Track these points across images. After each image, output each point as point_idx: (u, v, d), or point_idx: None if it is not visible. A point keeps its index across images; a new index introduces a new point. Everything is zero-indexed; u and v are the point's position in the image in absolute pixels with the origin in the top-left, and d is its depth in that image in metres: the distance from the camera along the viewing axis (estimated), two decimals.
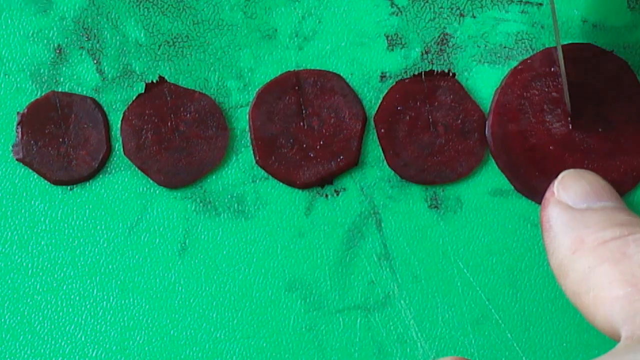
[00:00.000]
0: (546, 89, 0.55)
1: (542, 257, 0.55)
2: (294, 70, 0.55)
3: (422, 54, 0.55)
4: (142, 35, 0.55)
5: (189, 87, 0.55)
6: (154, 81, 0.55)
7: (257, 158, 0.55)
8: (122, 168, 0.55)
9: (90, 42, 0.55)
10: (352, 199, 0.55)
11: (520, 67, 0.55)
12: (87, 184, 0.55)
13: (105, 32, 0.55)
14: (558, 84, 0.54)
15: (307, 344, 0.54)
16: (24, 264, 0.55)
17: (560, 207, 0.50)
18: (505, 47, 0.55)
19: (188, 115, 0.55)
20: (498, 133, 0.54)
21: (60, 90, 0.55)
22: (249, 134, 0.55)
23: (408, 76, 0.55)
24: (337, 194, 0.55)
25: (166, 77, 0.55)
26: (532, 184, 0.54)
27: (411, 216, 0.55)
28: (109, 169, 0.55)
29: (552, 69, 0.55)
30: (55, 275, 0.54)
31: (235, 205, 0.55)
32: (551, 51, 0.55)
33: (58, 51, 0.55)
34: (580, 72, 0.55)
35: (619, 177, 0.54)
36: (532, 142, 0.54)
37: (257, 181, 0.55)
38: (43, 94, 0.55)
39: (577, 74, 0.55)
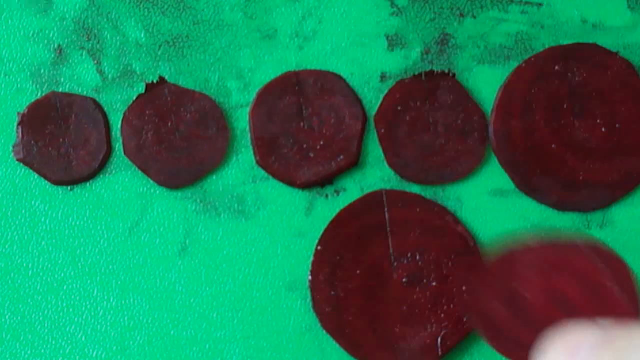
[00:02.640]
0: (550, 87, 0.55)
1: None
2: (294, 70, 0.55)
3: (422, 54, 0.55)
4: (142, 35, 0.55)
5: (189, 87, 0.55)
6: (154, 81, 0.55)
7: (257, 158, 0.55)
8: (122, 168, 0.55)
9: (90, 42, 0.55)
10: (352, 199, 0.55)
11: (524, 65, 0.55)
12: (87, 184, 0.55)
13: (105, 32, 0.55)
14: (562, 83, 0.55)
15: (307, 344, 0.54)
16: (24, 264, 0.55)
17: None
18: (505, 47, 0.55)
19: (188, 115, 0.55)
20: (500, 129, 0.54)
21: (60, 90, 0.55)
22: (249, 134, 0.55)
23: (408, 76, 0.55)
24: (337, 194, 0.55)
25: (166, 77, 0.55)
26: (533, 182, 0.54)
27: None
28: (109, 169, 0.55)
29: (556, 67, 0.55)
30: (56, 275, 0.54)
31: (235, 205, 0.55)
32: (555, 49, 0.55)
33: (58, 51, 0.55)
34: (585, 71, 0.55)
35: (619, 177, 0.54)
36: (535, 139, 0.54)
37: (257, 181, 0.55)
38: (43, 94, 0.55)
39: (581, 73, 0.55)
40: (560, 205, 0.54)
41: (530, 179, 0.54)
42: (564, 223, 0.54)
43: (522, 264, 0.46)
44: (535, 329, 0.47)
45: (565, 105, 0.55)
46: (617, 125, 0.54)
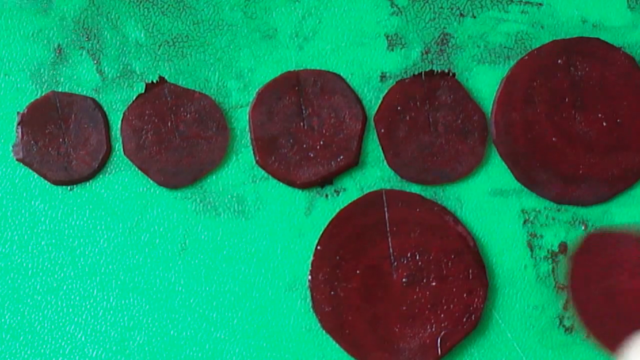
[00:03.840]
0: (552, 81, 0.55)
1: None
2: (294, 70, 0.55)
3: (422, 54, 0.55)
4: (142, 35, 0.55)
5: (189, 87, 0.55)
6: (154, 81, 0.55)
7: (257, 158, 0.55)
8: (122, 168, 0.55)
9: (90, 42, 0.55)
10: (352, 199, 0.55)
11: (527, 57, 0.55)
12: (87, 184, 0.55)
13: (105, 32, 0.55)
14: (565, 76, 0.54)
15: (307, 344, 0.54)
16: (24, 264, 0.55)
17: None
18: (505, 47, 0.55)
19: (188, 115, 0.55)
20: (501, 122, 0.54)
21: (60, 90, 0.55)
22: (249, 134, 0.55)
23: (408, 76, 0.55)
24: (337, 194, 0.55)
25: (166, 77, 0.55)
26: (532, 174, 0.54)
27: None
28: (109, 169, 0.55)
29: (559, 61, 0.55)
30: (55, 276, 0.54)
31: (235, 205, 0.55)
32: (558, 43, 0.55)
33: (58, 51, 0.55)
34: (588, 65, 0.55)
35: (619, 172, 0.54)
36: (535, 132, 0.54)
37: (257, 181, 0.55)
38: (43, 94, 0.55)
39: (584, 67, 0.55)
40: (560, 199, 0.54)
41: (530, 171, 0.54)
42: (563, 218, 0.54)
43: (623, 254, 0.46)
44: (632, 323, 0.47)
45: (566, 99, 0.55)
46: (618, 120, 0.54)
